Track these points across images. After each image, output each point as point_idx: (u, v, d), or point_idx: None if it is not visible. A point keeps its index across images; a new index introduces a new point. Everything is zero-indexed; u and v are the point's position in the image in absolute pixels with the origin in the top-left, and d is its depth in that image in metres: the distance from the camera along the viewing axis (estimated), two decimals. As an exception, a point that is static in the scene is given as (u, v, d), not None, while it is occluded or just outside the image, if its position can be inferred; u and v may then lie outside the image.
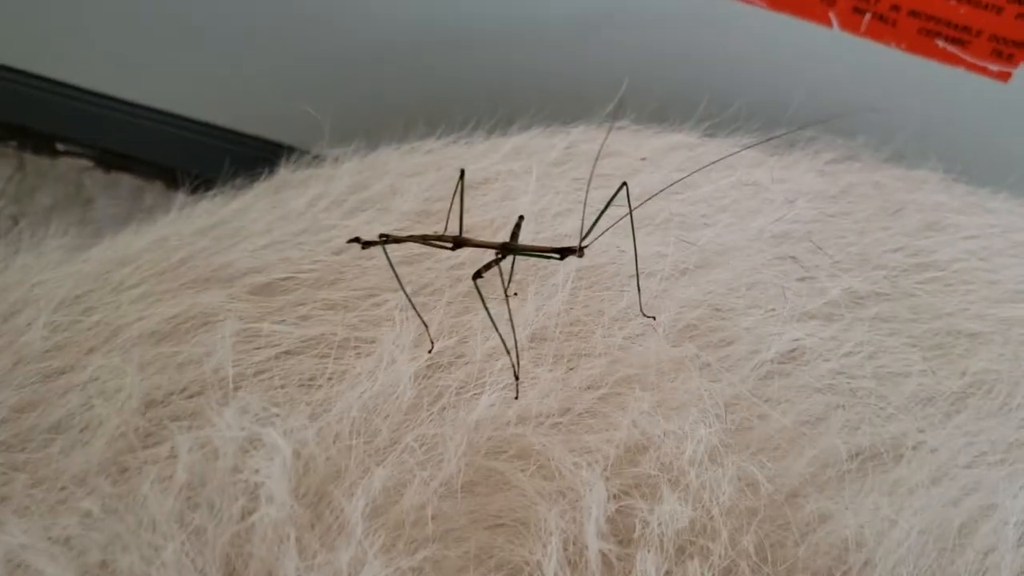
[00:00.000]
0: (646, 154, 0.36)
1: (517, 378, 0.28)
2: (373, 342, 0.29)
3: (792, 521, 0.26)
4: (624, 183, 0.28)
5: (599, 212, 0.28)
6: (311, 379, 0.29)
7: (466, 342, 0.29)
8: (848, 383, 0.29)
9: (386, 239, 0.29)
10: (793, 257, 0.32)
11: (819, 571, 0.26)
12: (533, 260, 0.30)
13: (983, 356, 0.30)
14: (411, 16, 0.53)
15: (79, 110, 0.68)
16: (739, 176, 0.35)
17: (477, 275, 0.28)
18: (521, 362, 0.28)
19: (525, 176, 0.33)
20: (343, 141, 0.40)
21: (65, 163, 0.69)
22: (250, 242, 0.34)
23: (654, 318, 0.30)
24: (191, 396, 0.28)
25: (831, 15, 0.52)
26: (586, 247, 0.28)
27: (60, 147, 0.69)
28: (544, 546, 0.25)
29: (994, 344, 0.31)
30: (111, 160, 0.68)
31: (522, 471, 0.26)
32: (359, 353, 0.29)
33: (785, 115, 0.44)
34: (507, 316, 0.28)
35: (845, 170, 0.38)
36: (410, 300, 0.29)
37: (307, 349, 0.30)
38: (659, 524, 0.25)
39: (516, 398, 0.27)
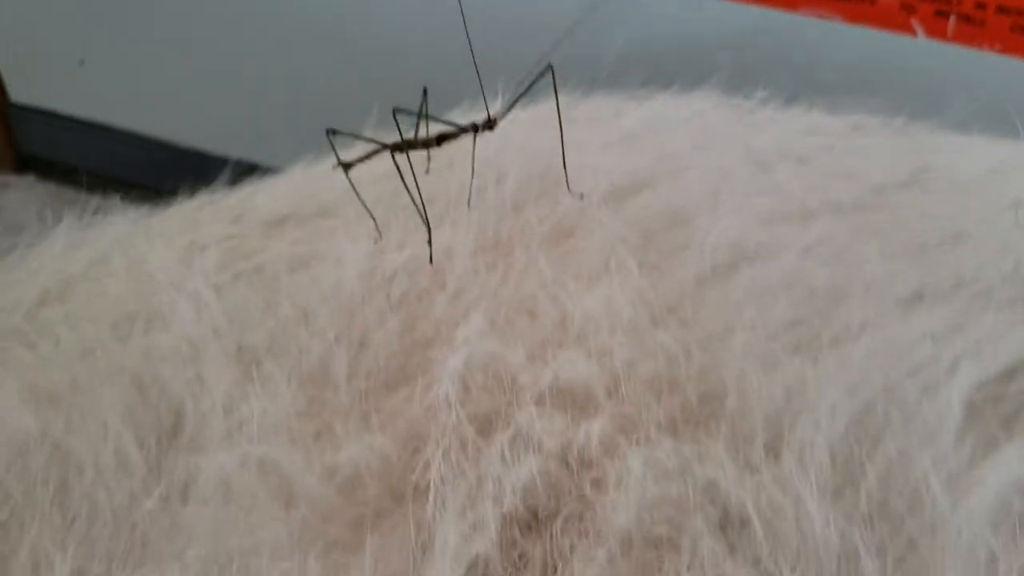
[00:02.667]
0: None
1: (430, 244, 0.29)
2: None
3: (707, 390, 0.25)
4: (549, 64, 0.29)
5: (522, 92, 0.29)
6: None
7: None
8: (804, 276, 0.28)
9: (347, 165, 0.32)
10: (764, 167, 0.31)
11: (726, 433, 0.24)
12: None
13: (964, 254, 0.28)
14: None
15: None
16: (737, 110, 0.35)
17: (396, 148, 0.30)
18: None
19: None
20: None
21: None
22: (273, 190, 0.38)
23: (582, 196, 0.30)
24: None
25: (914, 22, 0.50)
26: (496, 120, 0.29)
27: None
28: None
29: (979, 243, 0.28)
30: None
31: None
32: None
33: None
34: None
35: (867, 117, 0.36)
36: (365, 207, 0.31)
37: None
38: (555, 374, 0.25)
39: (431, 263, 0.28)
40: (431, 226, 0.30)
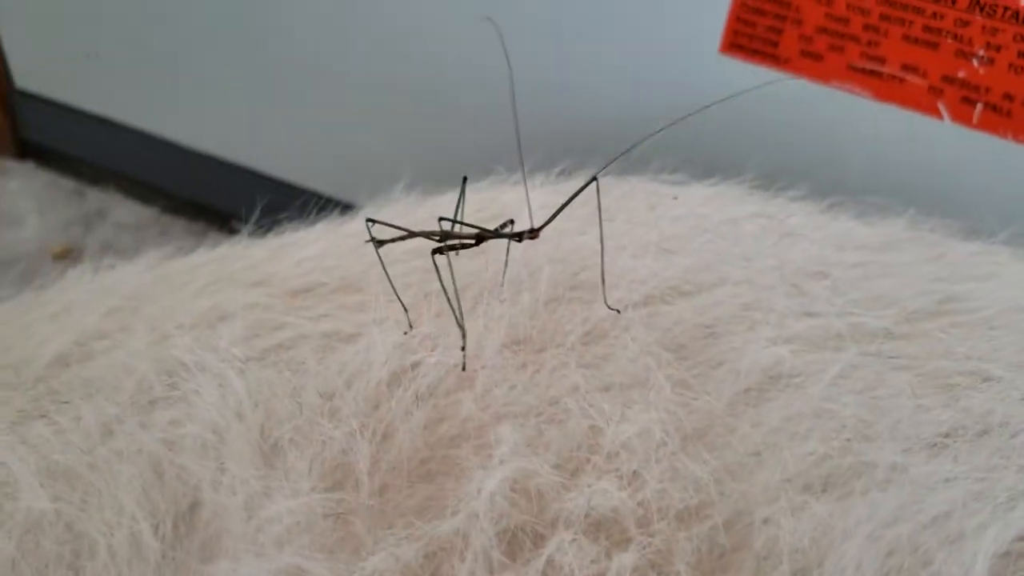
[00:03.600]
0: (678, 195, 0.36)
1: (464, 349, 0.29)
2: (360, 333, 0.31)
3: (737, 528, 0.25)
4: (595, 176, 0.29)
5: (565, 202, 0.29)
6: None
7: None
8: (832, 408, 0.28)
9: (380, 242, 0.32)
10: (797, 287, 0.31)
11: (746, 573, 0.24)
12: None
13: (991, 396, 0.28)
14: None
15: (249, 189, 0.77)
16: (771, 219, 0.35)
17: (438, 251, 0.30)
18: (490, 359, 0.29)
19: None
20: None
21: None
22: (299, 255, 0.37)
23: (618, 311, 0.30)
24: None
25: (940, 106, 0.51)
26: (539, 229, 0.29)
27: (234, 225, 0.78)
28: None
29: (1008, 387, 0.28)
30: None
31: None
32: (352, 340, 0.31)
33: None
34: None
35: (898, 227, 0.36)
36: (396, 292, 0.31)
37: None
38: (588, 502, 0.25)
39: (463, 369, 0.28)
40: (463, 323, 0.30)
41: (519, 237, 0.29)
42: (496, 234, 0.30)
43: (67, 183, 0.84)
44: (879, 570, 0.24)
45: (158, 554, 0.26)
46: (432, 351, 0.30)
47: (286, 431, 0.28)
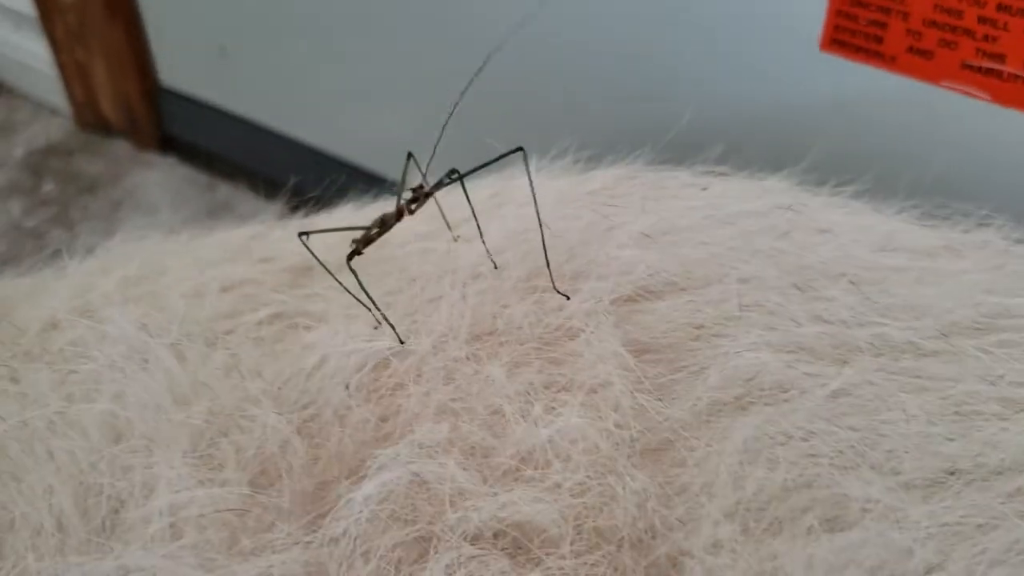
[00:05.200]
0: (709, 185, 0.32)
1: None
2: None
3: (675, 558, 0.22)
4: (520, 147, 0.27)
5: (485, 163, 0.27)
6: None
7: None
8: (824, 429, 0.24)
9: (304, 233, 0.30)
10: (812, 289, 0.27)
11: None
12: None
13: (1014, 437, 0.23)
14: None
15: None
16: (799, 215, 0.30)
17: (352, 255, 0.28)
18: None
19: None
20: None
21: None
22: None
23: (567, 297, 0.27)
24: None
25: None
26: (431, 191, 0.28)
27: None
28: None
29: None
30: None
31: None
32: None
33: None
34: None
35: (959, 231, 0.31)
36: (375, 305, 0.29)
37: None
38: (497, 510, 0.22)
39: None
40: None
41: (413, 202, 0.28)
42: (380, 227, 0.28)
43: (202, 177, 0.88)
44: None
45: (81, 533, 0.25)
46: (395, 342, 0.27)
47: (225, 418, 0.27)
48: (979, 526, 0.21)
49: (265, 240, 0.38)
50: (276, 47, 0.78)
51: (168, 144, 0.91)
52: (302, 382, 0.27)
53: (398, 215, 0.29)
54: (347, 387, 0.26)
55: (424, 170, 0.29)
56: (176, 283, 0.34)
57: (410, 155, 0.30)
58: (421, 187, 0.29)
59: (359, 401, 0.26)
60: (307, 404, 0.27)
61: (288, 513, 0.24)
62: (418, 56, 0.67)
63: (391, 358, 0.27)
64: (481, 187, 0.36)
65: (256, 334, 0.30)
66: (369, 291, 0.28)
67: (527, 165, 0.27)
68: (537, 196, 0.29)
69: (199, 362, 0.28)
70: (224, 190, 0.86)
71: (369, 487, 0.22)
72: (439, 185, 0.29)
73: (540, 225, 0.27)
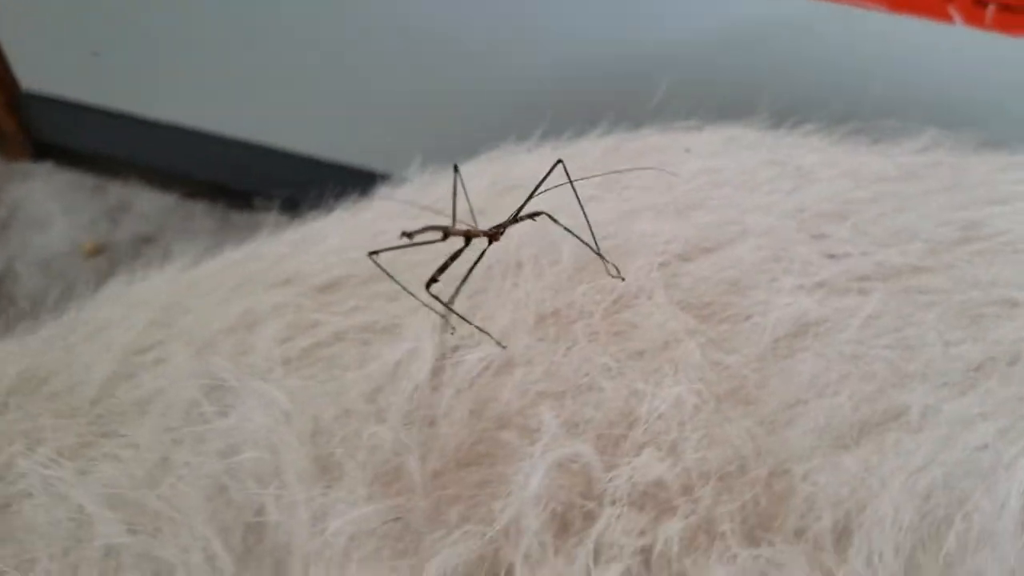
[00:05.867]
0: (691, 146, 0.36)
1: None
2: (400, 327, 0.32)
3: (777, 485, 0.26)
4: (559, 160, 0.30)
5: (529, 196, 0.30)
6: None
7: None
8: (865, 352, 0.28)
9: (375, 252, 0.32)
10: (819, 231, 0.31)
11: (797, 531, 0.25)
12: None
13: (1021, 324, 0.28)
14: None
15: (269, 167, 0.77)
16: (784, 165, 0.35)
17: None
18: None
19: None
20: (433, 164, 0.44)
21: (259, 217, 0.78)
22: (321, 249, 0.38)
23: (623, 279, 0.30)
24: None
25: (951, 9, 0.50)
26: (501, 231, 0.30)
27: (256, 203, 0.79)
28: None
29: (1036, 312, 0.29)
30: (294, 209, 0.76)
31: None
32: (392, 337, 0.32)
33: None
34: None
35: (913, 153, 0.36)
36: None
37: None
38: (630, 477, 0.26)
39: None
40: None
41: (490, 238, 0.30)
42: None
43: (87, 179, 0.85)
44: (917, 513, 0.25)
45: (232, 571, 0.27)
46: (467, 338, 0.30)
47: (336, 439, 0.29)
48: (1011, 411, 0.26)
49: (264, 262, 0.40)
50: (142, 34, 0.75)
51: (41, 151, 0.87)
52: (399, 388, 0.30)
53: (468, 238, 0.31)
54: (457, 386, 0.29)
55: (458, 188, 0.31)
56: (206, 322, 0.36)
57: (456, 168, 0.32)
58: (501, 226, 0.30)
59: (458, 397, 0.29)
60: (411, 410, 0.29)
61: (433, 509, 0.27)
62: (298, 35, 0.67)
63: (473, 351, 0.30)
64: (474, 175, 0.38)
65: (327, 353, 0.32)
66: (419, 295, 0.31)
67: (567, 173, 0.30)
68: (532, 178, 0.33)
69: (298, 390, 0.30)
70: (115, 189, 0.84)
71: (533, 481, 0.26)
72: (516, 220, 0.31)
73: (588, 222, 0.30)
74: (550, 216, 0.29)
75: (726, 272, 0.31)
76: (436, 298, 0.30)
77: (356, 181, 0.46)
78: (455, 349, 0.31)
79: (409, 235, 0.32)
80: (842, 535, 0.25)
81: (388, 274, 0.31)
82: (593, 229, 0.31)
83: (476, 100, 0.61)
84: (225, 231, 0.79)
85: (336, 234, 0.40)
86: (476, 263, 0.31)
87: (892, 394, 0.27)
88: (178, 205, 0.82)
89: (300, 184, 0.72)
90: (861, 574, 0.24)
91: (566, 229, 0.30)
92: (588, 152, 0.37)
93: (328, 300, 0.35)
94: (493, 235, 0.31)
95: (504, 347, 0.30)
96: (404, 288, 0.31)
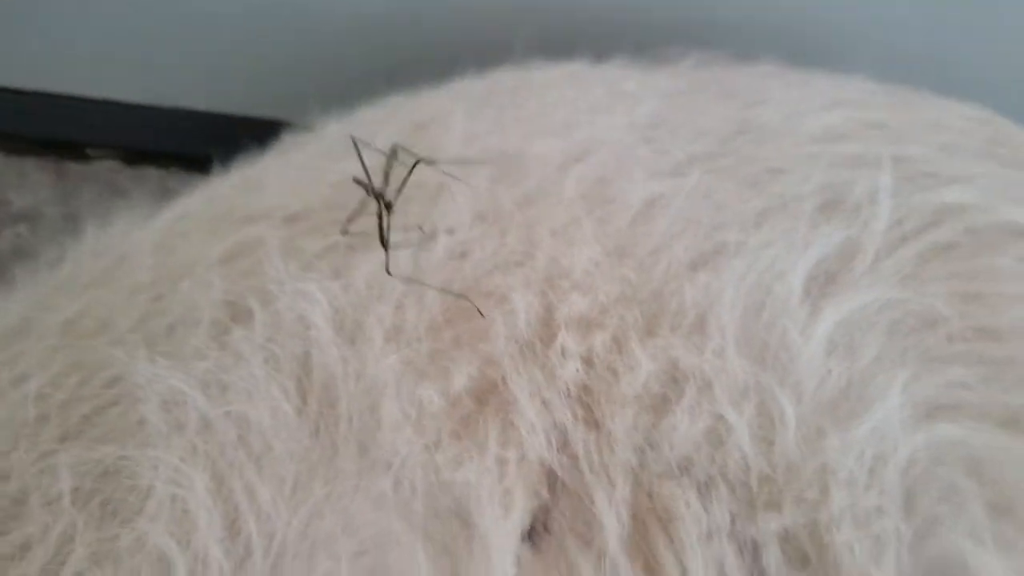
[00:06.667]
0: (546, 80, 0.50)
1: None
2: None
3: (658, 298, 0.41)
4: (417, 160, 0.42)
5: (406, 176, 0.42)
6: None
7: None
8: (694, 212, 0.44)
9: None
10: (648, 137, 0.47)
11: (673, 326, 0.41)
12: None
13: (783, 182, 0.45)
14: None
15: (101, 118, 0.83)
16: (620, 94, 0.50)
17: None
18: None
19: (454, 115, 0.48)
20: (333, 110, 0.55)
21: (97, 166, 0.83)
22: (273, 188, 0.49)
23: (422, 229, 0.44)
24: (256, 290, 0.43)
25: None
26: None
27: (90, 152, 0.84)
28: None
29: (789, 176, 0.46)
30: (135, 157, 0.83)
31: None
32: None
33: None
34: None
35: (695, 71, 0.52)
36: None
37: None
38: (567, 312, 0.40)
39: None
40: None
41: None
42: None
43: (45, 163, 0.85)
44: (742, 304, 0.41)
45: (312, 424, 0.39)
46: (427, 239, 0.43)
47: (359, 310, 0.41)
48: (785, 237, 0.43)
49: (219, 204, 0.50)
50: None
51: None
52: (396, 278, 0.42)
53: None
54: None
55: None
56: (200, 258, 0.46)
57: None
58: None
59: (438, 281, 0.42)
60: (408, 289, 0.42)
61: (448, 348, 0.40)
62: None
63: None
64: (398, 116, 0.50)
65: (323, 265, 0.44)
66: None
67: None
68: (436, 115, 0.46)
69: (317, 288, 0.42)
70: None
71: (521, 310, 0.39)
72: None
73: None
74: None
75: (598, 172, 0.45)
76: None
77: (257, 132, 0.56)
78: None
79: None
80: (702, 323, 0.41)
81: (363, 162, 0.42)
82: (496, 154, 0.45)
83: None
84: (65, 183, 0.84)
85: (277, 175, 0.50)
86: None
87: (715, 235, 0.43)
88: (6, 162, 0.85)
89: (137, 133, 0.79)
90: (719, 344, 0.40)
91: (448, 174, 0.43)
92: (475, 87, 0.50)
93: (300, 229, 0.46)
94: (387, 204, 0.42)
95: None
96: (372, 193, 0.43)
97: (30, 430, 0.40)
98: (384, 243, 0.40)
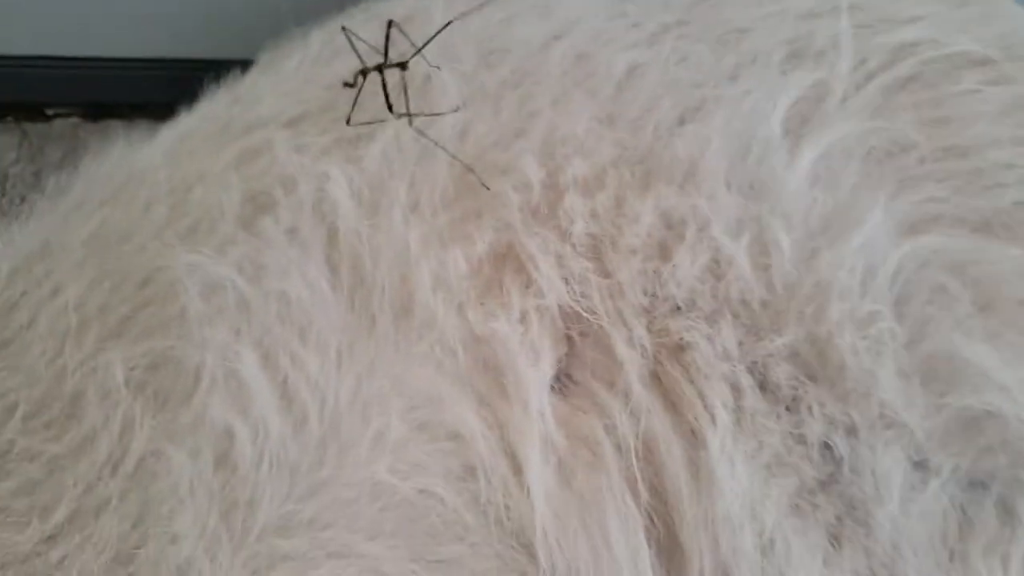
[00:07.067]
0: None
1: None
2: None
3: (652, 155, 0.44)
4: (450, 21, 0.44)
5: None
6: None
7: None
8: (674, 73, 0.47)
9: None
10: (621, 11, 0.50)
11: (672, 177, 0.44)
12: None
13: (751, 38, 0.48)
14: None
15: (58, 76, 0.82)
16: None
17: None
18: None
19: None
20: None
21: (59, 124, 0.83)
22: (268, 99, 0.50)
23: (438, 67, 0.46)
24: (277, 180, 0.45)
25: None
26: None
27: (49, 112, 0.84)
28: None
29: (756, 34, 0.49)
30: (96, 112, 0.83)
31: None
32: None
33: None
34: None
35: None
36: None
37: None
38: (572, 175, 0.43)
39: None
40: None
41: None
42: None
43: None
44: (732, 147, 0.44)
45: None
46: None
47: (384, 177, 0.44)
48: (758, 85, 0.46)
49: (217, 120, 0.51)
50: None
51: None
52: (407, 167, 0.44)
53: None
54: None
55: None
56: (208, 170, 0.47)
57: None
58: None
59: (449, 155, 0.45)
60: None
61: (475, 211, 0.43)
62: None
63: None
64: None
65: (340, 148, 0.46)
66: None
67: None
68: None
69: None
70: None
71: (532, 172, 0.42)
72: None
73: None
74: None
75: (577, 47, 0.48)
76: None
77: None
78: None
79: (351, 84, 0.45)
80: (694, 170, 0.44)
81: (353, 46, 0.45)
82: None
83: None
84: (28, 143, 0.83)
85: (269, 86, 0.52)
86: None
87: (696, 92, 0.46)
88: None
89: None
90: (712, 186, 0.43)
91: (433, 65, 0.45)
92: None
93: (304, 130, 0.48)
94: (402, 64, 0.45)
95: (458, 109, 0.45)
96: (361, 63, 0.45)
97: (74, 336, 0.41)
98: (390, 106, 0.43)
